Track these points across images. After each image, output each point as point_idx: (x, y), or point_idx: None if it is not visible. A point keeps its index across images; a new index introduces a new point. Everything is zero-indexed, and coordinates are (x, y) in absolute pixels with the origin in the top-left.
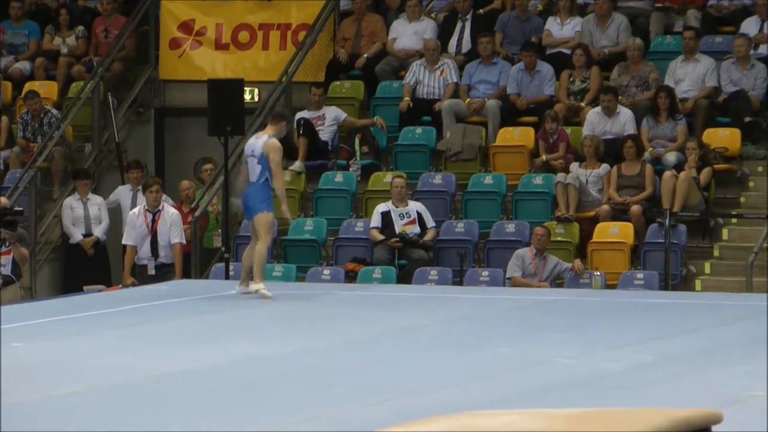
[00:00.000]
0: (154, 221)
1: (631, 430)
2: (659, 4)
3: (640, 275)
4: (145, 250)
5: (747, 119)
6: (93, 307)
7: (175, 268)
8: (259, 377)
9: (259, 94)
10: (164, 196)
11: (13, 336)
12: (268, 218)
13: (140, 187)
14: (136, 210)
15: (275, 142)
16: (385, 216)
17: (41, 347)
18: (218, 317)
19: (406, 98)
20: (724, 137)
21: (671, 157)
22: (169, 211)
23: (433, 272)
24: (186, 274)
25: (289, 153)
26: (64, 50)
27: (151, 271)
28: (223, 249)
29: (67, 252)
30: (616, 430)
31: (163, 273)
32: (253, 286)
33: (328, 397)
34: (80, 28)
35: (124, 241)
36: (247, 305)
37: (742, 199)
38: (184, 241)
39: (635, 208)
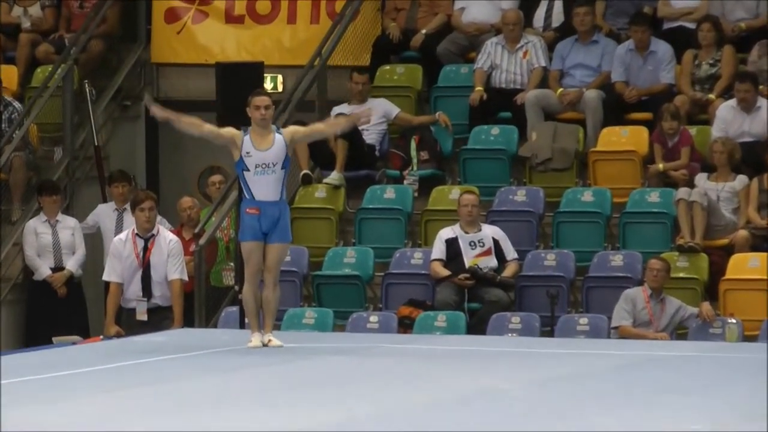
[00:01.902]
0: (146, 250)
1: None
2: None
3: None
4: (134, 288)
5: None
6: (65, 365)
7: (174, 313)
8: None
9: (283, 83)
10: (159, 218)
11: None
12: (242, 248)
13: (127, 206)
14: (122, 235)
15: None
16: (451, 244)
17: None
18: (231, 378)
19: (479, 88)
20: None
21: None
22: (167, 237)
23: (515, 319)
24: (188, 321)
25: (324, 160)
26: (26, 24)
27: (142, 316)
28: (236, 288)
29: (30, 291)
30: None
31: (159, 319)
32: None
33: None
34: None
35: (105, 277)
36: (268, 362)
37: None
38: (186, 277)
39: None
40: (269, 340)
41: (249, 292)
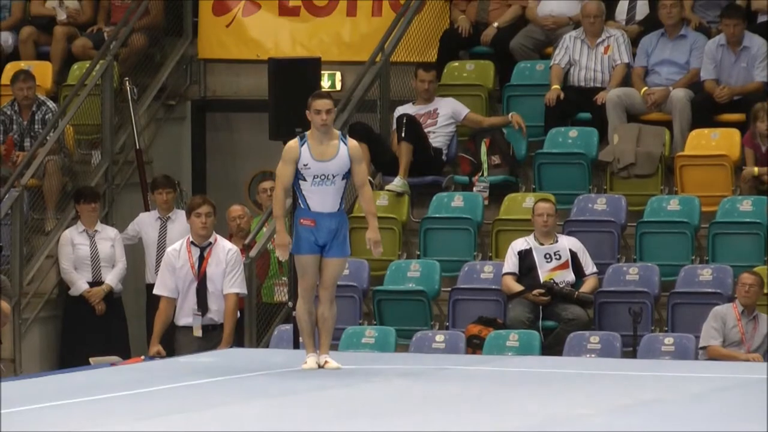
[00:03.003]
0: (202, 260)
1: None
2: None
3: None
4: (189, 302)
5: None
6: (102, 389)
7: (224, 330)
8: None
9: (342, 80)
10: None
11: None
12: (297, 262)
13: (171, 215)
14: (176, 245)
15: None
16: (525, 257)
17: None
18: (282, 404)
19: (555, 86)
20: None
21: None
22: (225, 247)
23: (594, 339)
24: (237, 340)
25: (386, 165)
26: (62, 16)
27: (198, 332)
28: (290, 304)
29: (66, 307)
30: None
31: (216, 337)
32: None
33: None
34: None
35: (156, 291)
36: (323, 386)
37: None
38: (245, 291)
39: None
40: (326, 362)
41: (303, 310)
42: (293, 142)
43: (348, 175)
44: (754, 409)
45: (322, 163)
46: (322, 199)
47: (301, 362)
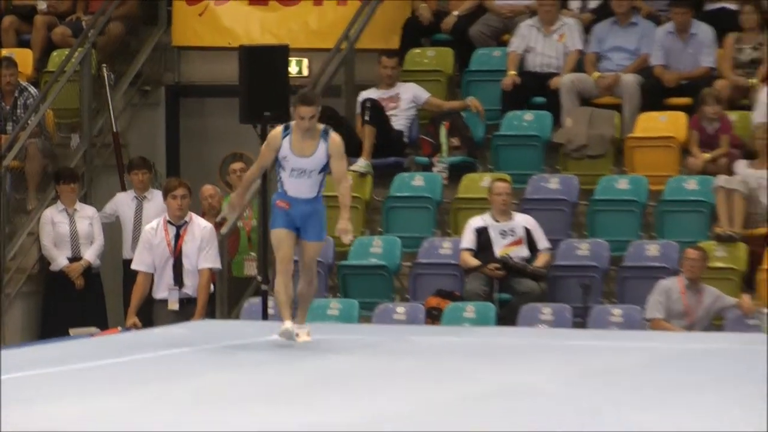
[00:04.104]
0: (178, 237)
1: None
2: None
3: None
4: (166, 278)
5: None
6: (81, 358)
7: (198, 303)
8: None
9: (309, 66)
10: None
11: None
12: (272, 236)
13: (147, 194)
14: (153, 223)
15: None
16: (482, 233)
17: (11, 414)
18: (252, 374)
19: (512, 72)
20: None
21: None
22: (200, 224)
23: (547, 310)
24: (209, 313)
25: (350, 147)
26: (42, 6)
27: (174, 306)
28: (259, 278)
29: (46, 283)
30: None
31: (191, 310)
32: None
33: None
34: None
35: (133, 266)
36: (292, 357)
37: None
38: (219, 266)
39: None
40: (297, 335)
41: (281, 284)
42: (277, 131)
43: (326, 168)
44: (702, 375)
45: (300, 158)
46: (298, 187)
47: (270, 333)
